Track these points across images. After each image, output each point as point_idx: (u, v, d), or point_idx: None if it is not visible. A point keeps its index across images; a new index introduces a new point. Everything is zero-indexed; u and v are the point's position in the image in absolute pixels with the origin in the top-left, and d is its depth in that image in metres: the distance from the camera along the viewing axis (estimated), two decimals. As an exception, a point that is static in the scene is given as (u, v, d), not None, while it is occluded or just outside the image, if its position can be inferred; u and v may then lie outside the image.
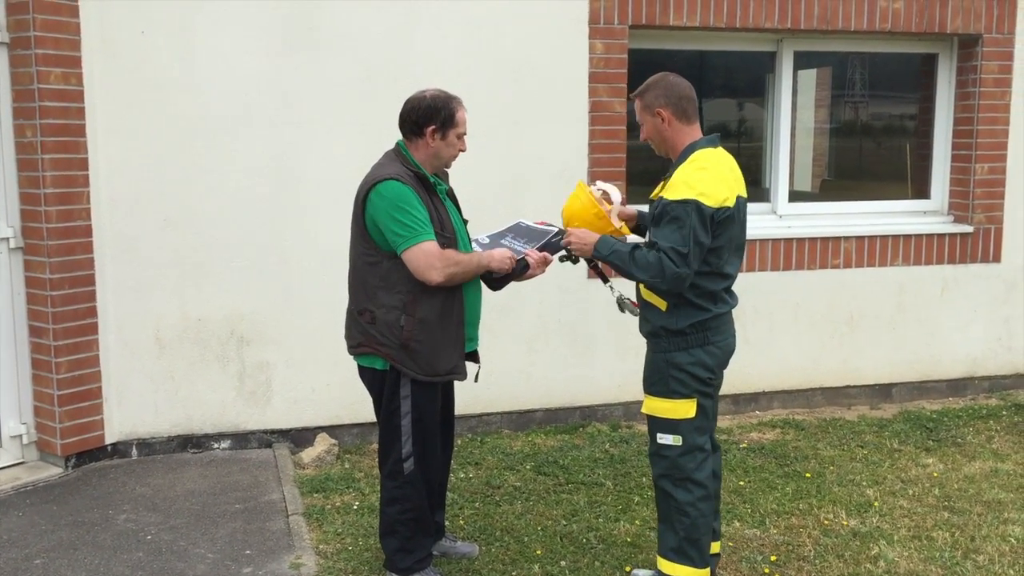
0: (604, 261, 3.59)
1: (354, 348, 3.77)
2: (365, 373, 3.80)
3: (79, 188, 5.07)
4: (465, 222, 3.96)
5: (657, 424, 3.61)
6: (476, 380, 3.96)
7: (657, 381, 3.59)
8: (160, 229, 5.27)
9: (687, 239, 3.37)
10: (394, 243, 3.57)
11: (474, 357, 3.97)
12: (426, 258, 3.55)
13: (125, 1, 5.08)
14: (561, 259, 3.86)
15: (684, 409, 3.55)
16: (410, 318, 3.61)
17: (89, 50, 5.05)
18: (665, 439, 3.58)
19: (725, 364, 3.68)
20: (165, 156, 5.23)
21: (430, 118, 3.66)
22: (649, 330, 3.64)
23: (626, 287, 3.88)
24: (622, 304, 3.83)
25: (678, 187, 3.42)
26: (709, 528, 3.65)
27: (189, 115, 5.24)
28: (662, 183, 3.61)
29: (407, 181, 3.59)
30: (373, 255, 3.64)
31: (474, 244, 3.96)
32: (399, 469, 3.74)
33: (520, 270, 3.82)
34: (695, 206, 3.37)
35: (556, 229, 3.94)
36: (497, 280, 3.83)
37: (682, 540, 3.60)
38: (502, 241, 3.97)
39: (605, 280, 3.95)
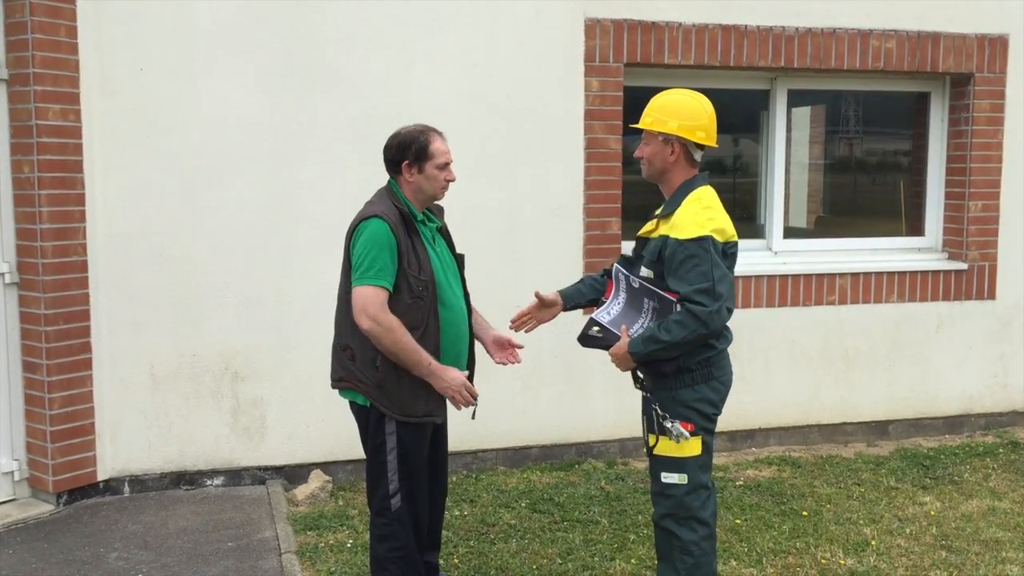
0: (648, 358, 3.44)
1: (336, 382, 3.77)
2: (352, 407, 3.79)
3: (75, 224, 5.08)
4: (461, 256, 3.95)
5: (662, 463, 3.54)
6: (473, 417, 3.94)
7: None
8: (156, 265, 5.28)
9: (708, 274, 3.33)
10: (352, 277, 3.57)
11: None
12: (363, 302, 3.52)
13: (125, 39, 5.13)
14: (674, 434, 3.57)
15: (690, 447, 3.50)
16: (385, 359, 3.60)
17: (88, 87, 5.08)
18: (670, 478, 3.52)
19: (725, 399, 3.65)
20: (161, 193, 5.25)
21: (403, 153, 3.68)
22: (656, 369, 3.53)
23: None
24: (675, 433, 3.53)
25: (687, 226, 3.39)
26: (711, 568, 3.59)
27: (186, 152, 5.27)
28: (655, 221, 3.58)
29: (390, 220, 3.58)
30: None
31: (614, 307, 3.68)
32: (387, 506, 3.71)
33: (605, 345, 3.59)
34: (711, 241, 3.36)
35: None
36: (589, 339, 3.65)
37: None
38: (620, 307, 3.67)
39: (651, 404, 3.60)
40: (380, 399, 3.63)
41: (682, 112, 3.50)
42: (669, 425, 3.48)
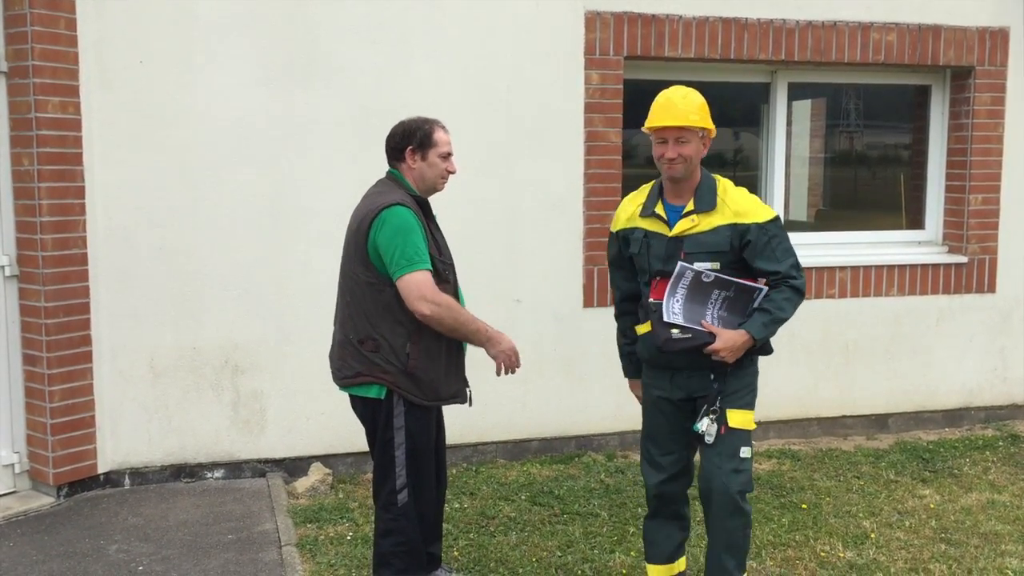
0: (767, 339, 3.52)
1: (350, 378, 3.70)
2: (358, 403, 3.77)
3: (75, 216, 5.08)
4: None
5: (741, 437, 3.53)
6: (470, 404, 3.95)
7: (747, 394, 3.59)
8: (155, 258, 5.28)
9: (791, 249, 3.52)
10: (391, 270, 3.57)
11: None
12: (417, 288, 3.54)
13: (124, 31, 5.12)
14: (705, 430, 3.49)
15: (751, 421, 3.60)
16: (415, 346, 3.62)
17: (87, 79, 5.08)
18: (746, 452, 3.53)
19: None
20: (161, 186, 5.25)
21: (407, 139, 3.73)
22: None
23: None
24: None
25: (757, 210, 3.49)
26: None
27: (186, 145, 5.26)
28: (694, 216, 3.47)
29: (410, 206, 3.62)
30: (376, 282, 3.62)
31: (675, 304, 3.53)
32: (393, 501, 3.72)
33: (700, 343, 3.47)
34: (780, 221, 3.54)
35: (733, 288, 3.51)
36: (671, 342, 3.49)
37: (743, 554, 3.60)
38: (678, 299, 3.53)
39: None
40: (406, 387, 3.64)
41: (705, 107, 3.56)
42: (712, 418, 3.48)
